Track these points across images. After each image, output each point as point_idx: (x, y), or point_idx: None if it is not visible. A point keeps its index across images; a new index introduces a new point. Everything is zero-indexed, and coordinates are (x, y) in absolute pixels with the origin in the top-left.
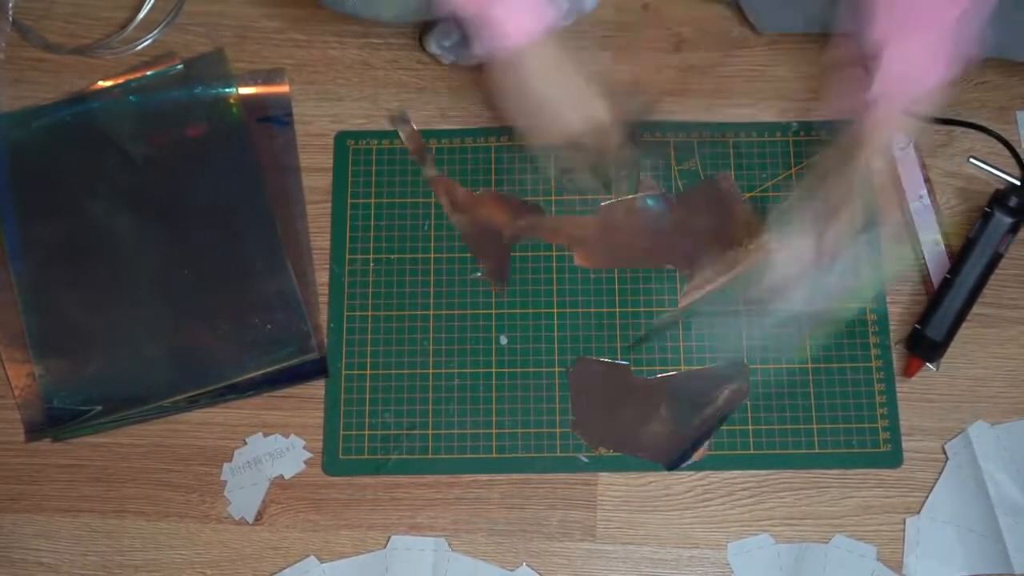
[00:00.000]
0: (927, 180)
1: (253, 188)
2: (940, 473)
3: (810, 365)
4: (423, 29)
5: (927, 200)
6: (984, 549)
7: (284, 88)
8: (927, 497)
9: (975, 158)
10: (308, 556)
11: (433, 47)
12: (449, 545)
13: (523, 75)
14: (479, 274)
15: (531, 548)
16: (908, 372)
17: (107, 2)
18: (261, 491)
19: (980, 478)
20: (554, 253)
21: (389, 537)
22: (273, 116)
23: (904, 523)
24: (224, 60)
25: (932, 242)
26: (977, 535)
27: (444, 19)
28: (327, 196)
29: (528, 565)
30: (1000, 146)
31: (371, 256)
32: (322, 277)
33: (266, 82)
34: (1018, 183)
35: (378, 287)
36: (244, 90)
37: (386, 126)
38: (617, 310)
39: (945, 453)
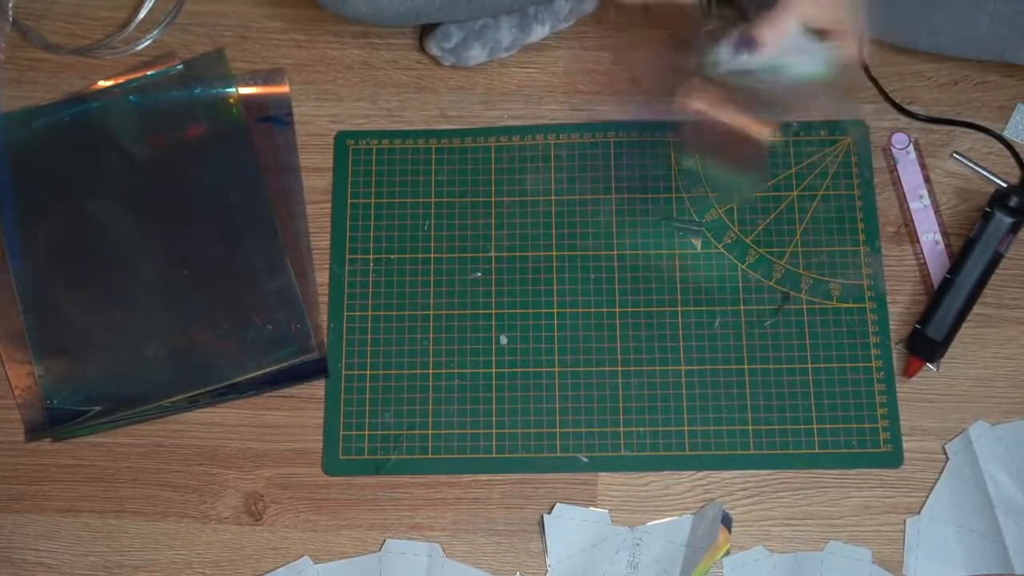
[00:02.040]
0: (927, 180)
1: (253, 188)
2: (940, 473)
3: (810, 365)
4: (423, 30)
5: (927, 200)
6: (984, 549)
7: (284, 88)
8: (927, 497)
9: (958, 154)
10: (303, 556)
11: (433, 48)
12: (444, 551)
13: None
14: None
15: (531, 548)
16: (908, 372)
17: (107, 2)
18: None
19: (980, 478)
20: (554, 253)
21: (384, 540)
22: (273, 116)
23: (904, 523)
24: (224, 60)
25: (932, 242)
26: (977, 535)
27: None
28: (327, 196)
29: (522, 574)
30: (1000, 146)
31: (371, 256)
32: (322, 277)
33: (266, 82)
34: (1003, 181)
35: (378, 287)
36: (244, 90)
37: (386, 126)
38: (617, 310)
39: (945, 453)
